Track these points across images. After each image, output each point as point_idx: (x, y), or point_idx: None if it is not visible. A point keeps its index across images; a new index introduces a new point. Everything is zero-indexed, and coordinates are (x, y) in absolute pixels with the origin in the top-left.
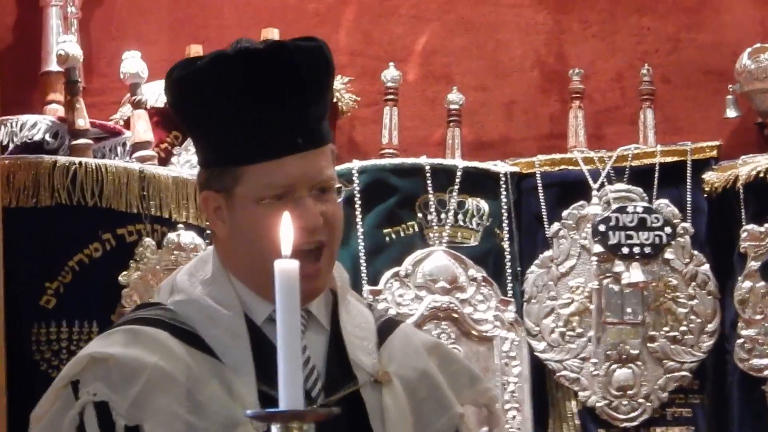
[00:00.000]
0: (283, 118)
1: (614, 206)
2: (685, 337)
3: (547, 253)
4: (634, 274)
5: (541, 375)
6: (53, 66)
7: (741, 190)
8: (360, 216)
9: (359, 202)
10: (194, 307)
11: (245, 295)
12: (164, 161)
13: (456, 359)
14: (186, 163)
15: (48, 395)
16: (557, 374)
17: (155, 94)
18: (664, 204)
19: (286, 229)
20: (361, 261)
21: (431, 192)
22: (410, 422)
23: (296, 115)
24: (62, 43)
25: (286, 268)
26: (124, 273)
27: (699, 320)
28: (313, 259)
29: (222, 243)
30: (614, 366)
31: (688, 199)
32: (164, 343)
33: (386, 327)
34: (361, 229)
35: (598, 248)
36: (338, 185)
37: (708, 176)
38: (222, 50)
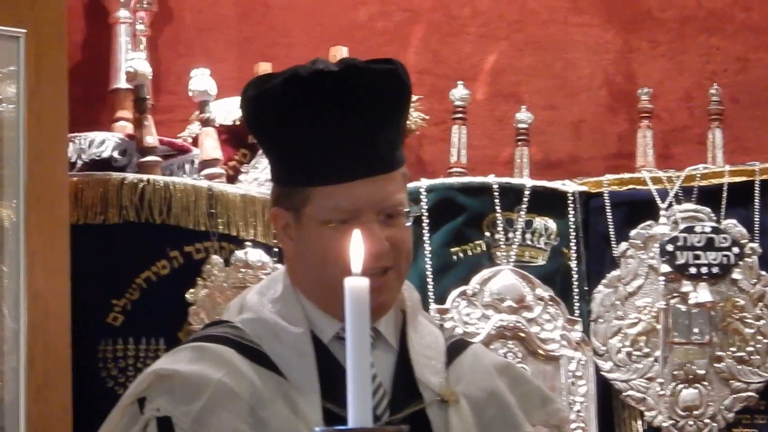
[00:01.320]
0: (353, 142)
1: (682, 226)
2: (752, 357)
3: (615, 273)
4: (702, 294)
5: (607, 395)
6: (122, 83)
7: None
8: (428, 234)
9: (427, 221)
10: (262, 325)
11: (313, 314)
12: (232, 179)
13: (527, 380)
14: (254, 181)
15: (115, 412)
16: (623, 394)
17: (224, 111)
18: (732, 224)
19: (357, 247)
20: (429, 280)
21: (499, 211)
22: None
23: (367, 139)
24: (131, 60)
25: (356, 285)
26: (192, 290)
27: (766, 341)
28: (378, 276)
29: (290, 260)
30: (680, 386)
31: (756, 219)
32: (229, 360)
33: (456, 347)
34: (428, 248)
35: (665, 268)
36: (407, 209)
37: None
38: (296, 69)
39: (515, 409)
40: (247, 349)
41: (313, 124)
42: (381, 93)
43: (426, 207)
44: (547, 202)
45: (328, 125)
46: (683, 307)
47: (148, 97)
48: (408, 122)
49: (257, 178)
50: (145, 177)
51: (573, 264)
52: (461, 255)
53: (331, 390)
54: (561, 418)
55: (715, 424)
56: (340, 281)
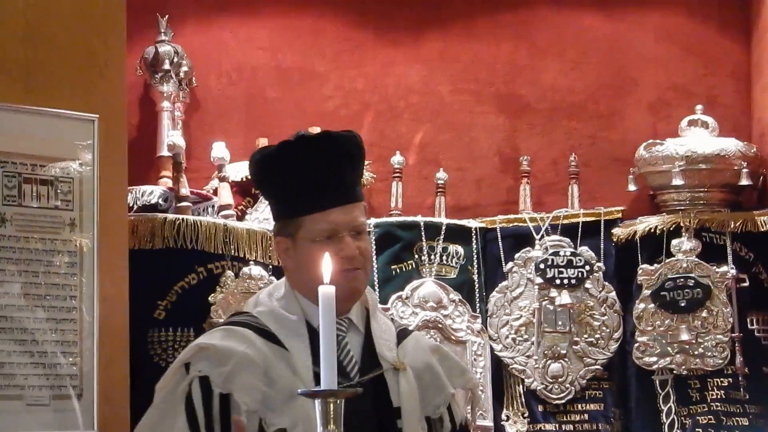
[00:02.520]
0: (329, 183)
1: (550, 251)
2: (599, 341)
3: (504, 283)
4: (564, 298)
5: (499, 368)
6: (165, 152)
7: (638, 241)
8: (375, 257)
9: (374, 247)
10: (271, 315)
11: (306, 307)
12: (240, 218)
13: (450, 357)
14: (255, 220)
15: (168, 373)
16: (510, 367)
17: (235, 171)
18: (584, 250)
19: (327, 264)
20: (376, 287)
21: (424, 240)
22: (417, 398)
23: (338, 181)
24: (171, 136)
25: (326, 291)
26: (212, 295)
27: (608, 330)
28: (353, 271)
29: (290, 272)
30: (549, 361)
31: (602, 246)
32: (249, 338)
33: (403, 333)
34: (376, 266)
35: (539, 280)
36: (369, 230)
37: (615, 231)
38: (286, 139)
39: (443, 377)
40: (261, 331)
41: (299, 171)
42: (347, 149)
43: (374, 238)
44: (458, 235)
45: (310, 171)
46: (551, 307)
47: (182, 161)
48: (363, 178)
49: (257, 218)
50: (180, 216)
51: (475, 277)
52: (398, 270)
53: (319, 359)
54: (474, 384)
55: (573, 388)
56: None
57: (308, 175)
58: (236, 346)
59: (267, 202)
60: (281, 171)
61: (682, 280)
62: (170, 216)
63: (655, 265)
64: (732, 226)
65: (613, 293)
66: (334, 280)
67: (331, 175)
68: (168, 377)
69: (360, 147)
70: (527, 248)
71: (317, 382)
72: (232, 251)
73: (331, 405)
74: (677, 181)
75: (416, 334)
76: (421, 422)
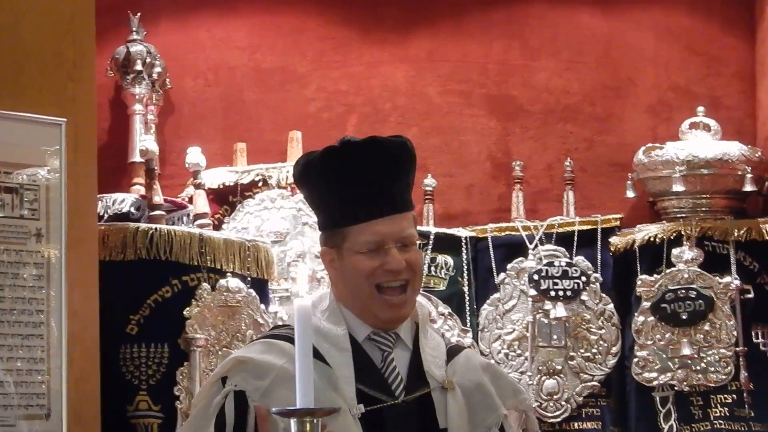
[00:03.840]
0: (374, 192)
1: (545, 261)
2: (596, 356)
3: (496, 295)
4: (559, 310)
5: None
6: (137, 158)
7: (637, 250)
8: None
9: None
10: (314, 329)
11: (351, 320)
12: (217, 227)
13: (504, 376)
14: (233, 229)
15: (205, 386)
16: None
17: (211, 178)
18: (581, 260)
19: (302, 274)
20: None
21: None
22: (466, 419)
23: (384, 189)
24: (143, 141)
25: (301, 304)
26: (188, 308)
27: (605, 344)
28: (399, 293)
29: (335, 283)
30: (544, 377)
31: (599, 256)
32: (289, 352)
33: (453, 350)
34: None
35: (532, 292)
36: (418, 241)
37: (613, 240)
38: (331, 144)
39: (495, 396)
40: None
41: (344, 179)
42: (394, 156)
43: None
44: (447, 244)
45: (355, 179)
46: (545, 320)
47: (156, 168)
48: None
49: (235, 227)
50: (153, 226)
51: (465, 289)
52: None
53: (362, 375)
54: (527, 405)
55: (569, 405)
56: (369, 296)
57: (353, 184)
58: (275, 361)
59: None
60: (325, 179)
61: (683, 291)
62: (143, 225)
63: (655, 275)
64: (736, 234)
65: (611, 305)
66: (377, 306)
67: (377, 184)
68: (205, 391)
69: (410, 153)
70: (520, 258)
71: (360, 399)
72: (209, 263)
73: (308, 425)
74: (678, 187)
75: (468, 351)
76: None
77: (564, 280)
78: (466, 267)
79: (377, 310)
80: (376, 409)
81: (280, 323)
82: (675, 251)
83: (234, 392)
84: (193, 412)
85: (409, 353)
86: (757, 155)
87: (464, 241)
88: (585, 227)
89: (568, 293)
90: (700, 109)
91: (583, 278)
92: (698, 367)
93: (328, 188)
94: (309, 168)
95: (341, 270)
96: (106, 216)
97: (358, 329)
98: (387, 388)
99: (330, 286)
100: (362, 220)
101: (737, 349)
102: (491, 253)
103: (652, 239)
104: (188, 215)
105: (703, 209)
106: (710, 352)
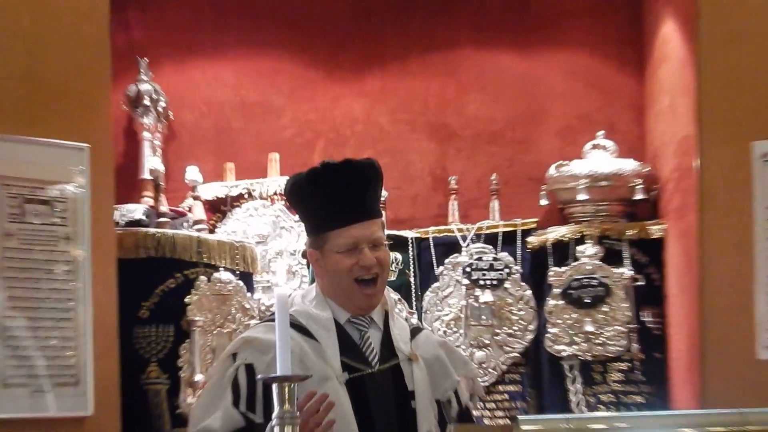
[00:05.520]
0: (349, 203)
1: (475, 257)
2: (516, 333)
3: (436, 284)
4: (486, 296)
5: None
6: (146, 175)
7: (549, 247)
8: None
9: None
10: (304, 313)
11: (333, 307)
12: (212, 231)
13: (455, 351)
14: (224, 232)
15: (217, 363)
16: None
17: (206, 191)
18: (504, 255)
19: (281, 271)
20: None
21: None
22: (428, 384)
23: (357, 201)
24: (151, 161)
25: (281, 292)
26: (188, 296)
27: (524, 323)
28: (371, 285)
29: (320, 277)
30: (475, 350)
31: (518, 252)
32: None
33: (415, 330)
34: None
35: (465, 281)
36: (386, 242)
37: (530, 239)
38: (314, 167)
39: (450, 367)
40: (296, 326)
41: (325, 194)
42: (365, 174)
43: None
44: (397, 243)
45: (333, 193)
46: (476, 304)
47: (161, 183)
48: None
49: (226, 231)
50: (160, 230)
51: (412, 279)
52: None
53: (345, 350)
54: (474, 373)
55: (495, 372)
56: (348, 287)
57: (332, 197)
58: (275, 338)
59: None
60: (310, 194)
61: (586, 280)
62: (151, 230)
63: (564, 267)
64: (628, 234)
65: (529, 292)
66: (355, 295)
67: (351, 197)
68: (217, 366)
69: (378, 172)
70: (455, 254)
71: (344, 368)
72: (205, 259)
73: (286, 388)
74: (582, 197)
75: (426, 331)
76: (432, 404)
77: (491, 272)
78: (412, 262)
79: (355, 299)
80: (358, 377)
81: (270, 312)
82: (579, 248)
83: (245, 366)
84: (209, 384)
85: (380, 333)
86: (645, 170)
87: (410, 241)
88: (507, 229)
89: (494, 282)
90: (600, 133)
91: (506, 270)
92: (598, 341)
93: (312, 201)
94: (297, 186)
95: (325, 267)
96: (121, 223)
97: (339, 314)
98: (365, 360)
99: (316, 280)
100: (340, 226)
101: (630, 326)
102: (432, 250)
103: (561, 238)
104: (188, 221)
105: (602, 214)
106: (608, 329)
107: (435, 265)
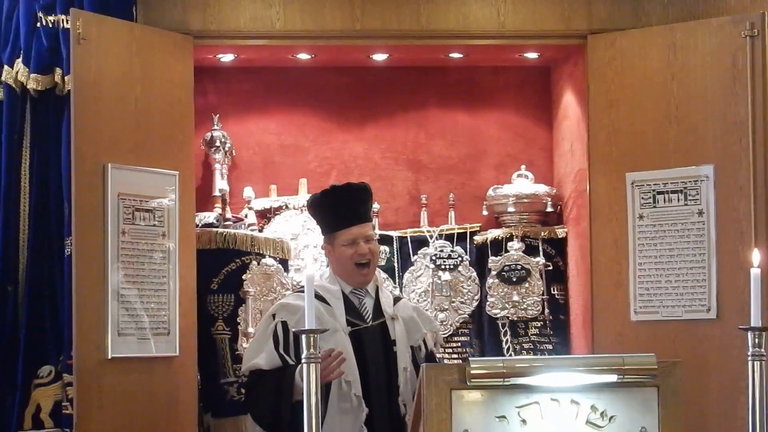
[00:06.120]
0: (350, 212)
1: (438, 249)
2: (467, 301)
3: (412, 268)
4: (446, 276)
5: None
6: (217, 193)
7: (488, 244)
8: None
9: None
10: (321, 287)
11: (341, 282)
12: (260, 231)
13: (424, 312)
14: (271, 232)
15: (261, 322)
16: None
17: (257, 204)
18: (458, 248)
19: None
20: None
21: None
22: (405, 335)
23: (356, 210)
24: (220, 184)
25: (309, 274)
26: (244, 275)
27: (472, 294)
28: (366, 267)
29: (332, 263)
30: (438, 312)
31: (468, 247)
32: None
33: (397, 299)
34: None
35: (432, 266)
36: (376, 238)
37: (476, 238)
38: (325, 188)
39: (420, 323)
40: (316, 296)
41: (334, 206)
42: (362, 194)
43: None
44: (385, 240)
45: (339, 205)
46: (439, 282)
47: (227, 198)
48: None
49: (270, 230)
50: (226, 230)
51: (395, 264)
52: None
53: (348, 311)
54: (437, 328)
55: (452, 328)
56: (351, 270)
57: (339, 208)
58: (302, 304)
59: (274, 222)
60: (324, 207)
61: (514, 265)
62: (220, 230)
63: (499, 257)
64: (542, 235)
65: (474, 273)
66: (354, 274)
67: (351, 208)
68: (262, 324)
69: (369, 191)
70: (425, 248)
71: (348, 324)
72: (256, 250)
73: (311, 338)
74: (511, 209)
75: (404, 300)
76: (408, 349)
77: (449, 260)
78: (396, 252)
79: (355, 277)
80: (357, 330)
81: (299, 286)
82: (509, 244)
83: (281, 322)
84: (255, 336)
85: (373, 300)
86: (553, 192)
87: (394, 238)
88: (460, 231)
89: (451, 266)
90: (523, 167)
91: (459, 259)
92: (522, 307)
93: (325, 211)
94: (315, 201)
95: (334, 255)
96: (199, 225)
97: (345, 287)
98: (362, 318)
99: (329, 264)
100: (344, 227)
101: (543, 297)
102: (409, 245)
103: (496, 238)
104: (244, 224)
105: (525, 221)
106: (528, 299)
107: (411, 254)
